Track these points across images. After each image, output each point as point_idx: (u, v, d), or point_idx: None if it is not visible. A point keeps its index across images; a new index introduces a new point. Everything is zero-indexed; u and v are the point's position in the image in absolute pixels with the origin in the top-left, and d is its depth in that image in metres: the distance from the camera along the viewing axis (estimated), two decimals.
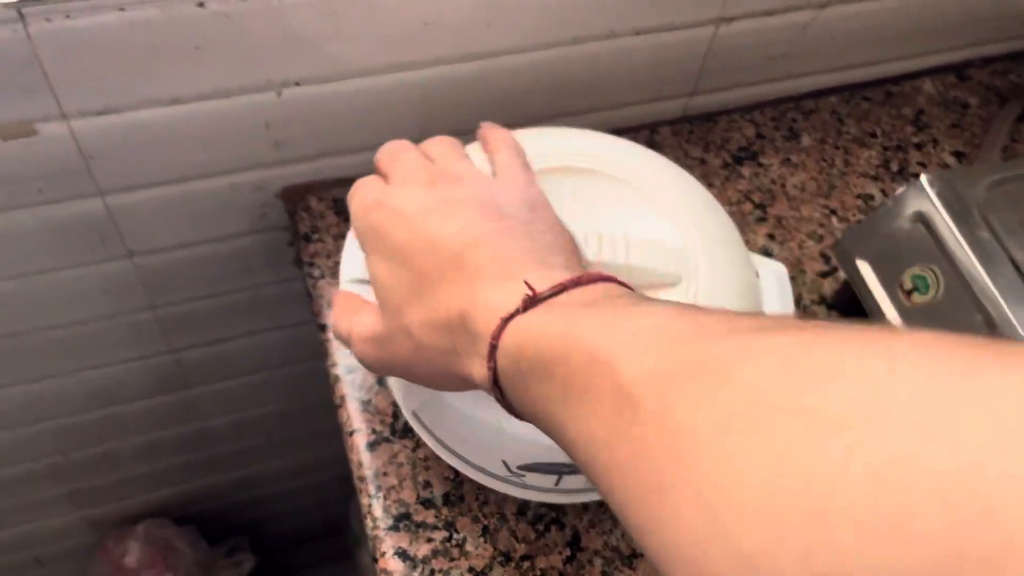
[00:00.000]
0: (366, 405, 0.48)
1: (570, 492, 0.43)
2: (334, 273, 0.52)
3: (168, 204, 0.53)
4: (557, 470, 0.41)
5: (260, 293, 0.65)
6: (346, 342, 0.37)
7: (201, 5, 0.42)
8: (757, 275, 0.44)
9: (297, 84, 0.48)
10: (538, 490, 0.43)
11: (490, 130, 0.42)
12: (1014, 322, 0.42)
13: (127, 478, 0.85)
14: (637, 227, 0.42)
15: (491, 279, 0.30)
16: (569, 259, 0.33)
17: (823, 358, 0.19)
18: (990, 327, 0.43)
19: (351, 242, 0.43)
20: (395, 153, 0.38)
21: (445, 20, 0.47)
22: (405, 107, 0.52)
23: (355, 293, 0.39)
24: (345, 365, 0.49)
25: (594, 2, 0.50)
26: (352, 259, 0.43)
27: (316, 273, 0.52)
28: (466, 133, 0.56)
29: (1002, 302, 0.43)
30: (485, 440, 0.40)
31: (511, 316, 0.28)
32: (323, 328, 0.50)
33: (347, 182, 0.56)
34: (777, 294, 0.43)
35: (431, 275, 0.32)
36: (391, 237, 0.34)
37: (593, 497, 0.44)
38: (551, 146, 0.44)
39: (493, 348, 0.29)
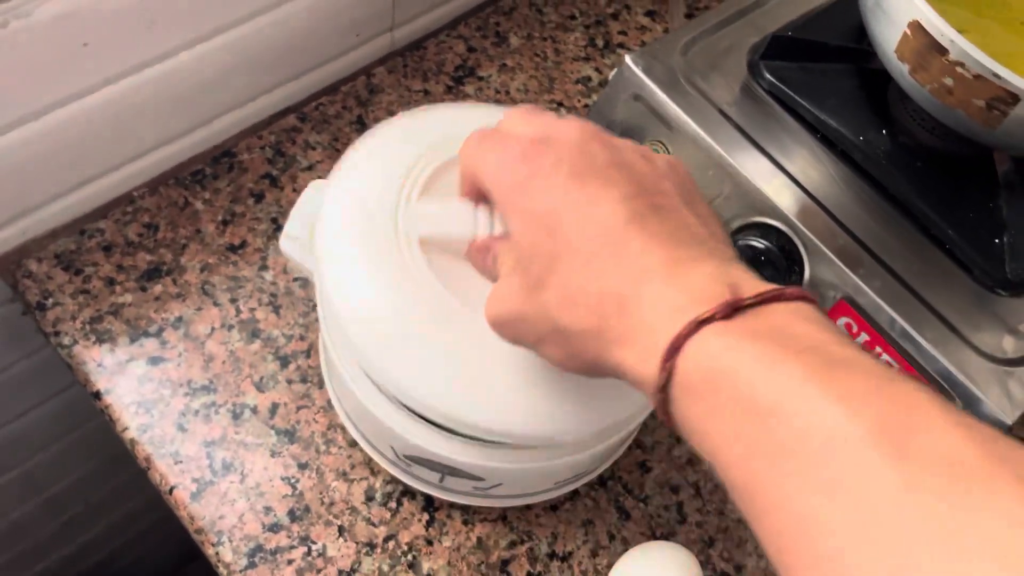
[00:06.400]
0: (176, 456, 0.45)
1: (453, 492, 0.43)
2: (87, 334, 0.48)
3: None
4: (440, 469, 0.41)
5: (14, 371, 0.58)
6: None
7: None
8: None
9: None
10: (424, 482, 0.43)
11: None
12: (738, 167, 0.47)
13: None
14: None
15: (660, 265, 0.27)
16: (734, 254, 0.29)
17: None
18: (720, 180, 0.47)
19: (311, 194, 0.39)
20: (533, 112, 0.33)
21: (104, 33, 0.42)
22: (99, 135, 0.47)
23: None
24: (137, 426, 0.45)
25: None
26: (302, 213, 0.39)
27: (66, 341, 0.47)
28: (183, 134, 0.52)
29: (723, 152, 0.47)
30: (376, 425, 0.40)
31: (706, 320, 0.24)
32: (98, 396, 0.46)
33: (63, 231, 0.51)
34: None
35: (580, 249, 0.28)
36: (538, 200, 0.29)
37: (476, 502, 0.44)
38: (453, 129, 0.37)
39: (674, 350, 0.25)
